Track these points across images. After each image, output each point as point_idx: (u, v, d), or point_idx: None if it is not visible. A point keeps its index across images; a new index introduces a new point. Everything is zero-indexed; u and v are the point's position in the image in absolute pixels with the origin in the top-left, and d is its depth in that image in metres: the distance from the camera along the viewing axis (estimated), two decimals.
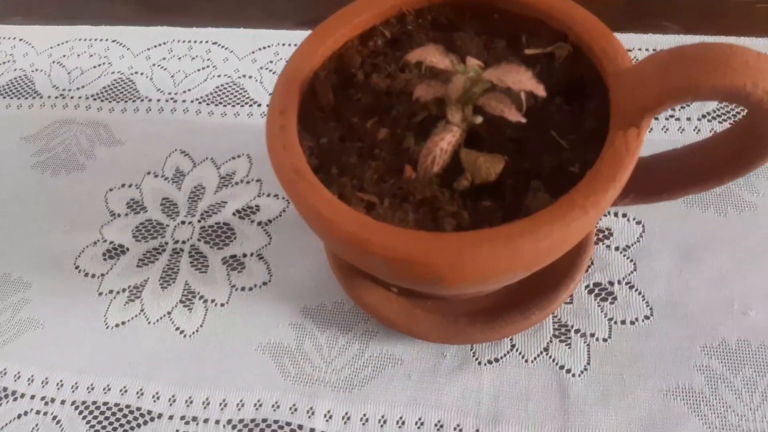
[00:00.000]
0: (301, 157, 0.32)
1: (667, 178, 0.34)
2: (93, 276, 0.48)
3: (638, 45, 0.52)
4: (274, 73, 0.57)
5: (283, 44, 0.59)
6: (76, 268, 0.48)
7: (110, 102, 0.58)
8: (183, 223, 0.49)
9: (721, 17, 0.53)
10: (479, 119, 0.31)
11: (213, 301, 0.45)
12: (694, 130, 0.48)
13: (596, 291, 0.42)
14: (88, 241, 0.49)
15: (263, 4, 0.62)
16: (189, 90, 0.57)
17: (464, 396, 0.39)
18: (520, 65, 0.29)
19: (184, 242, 0.48)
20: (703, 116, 0.49)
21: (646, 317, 0.41)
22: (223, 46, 0.59)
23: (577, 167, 0.31)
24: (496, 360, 0.40)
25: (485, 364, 0.40)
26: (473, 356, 0.41)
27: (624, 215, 0.45)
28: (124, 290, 0.47)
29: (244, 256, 0.47)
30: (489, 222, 0.30)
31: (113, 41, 0.62)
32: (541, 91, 0.29)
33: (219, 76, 0.58)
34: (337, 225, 0.29)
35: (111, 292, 0.47)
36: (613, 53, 0.32)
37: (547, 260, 0.31)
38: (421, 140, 0.32)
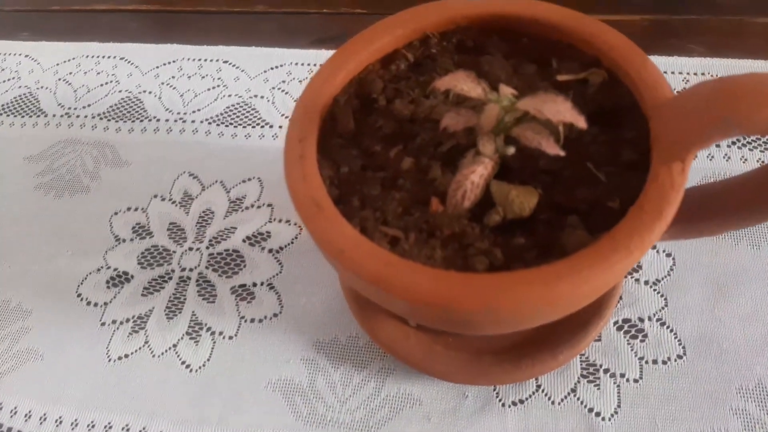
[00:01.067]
0: (321, 188, 0.30)
1: (708, 213, 0.32)
2: (96, 305, 0.46)
3: (663, 68, 0.50)
4: (286, 93, 0.55)
5: (297, 63, 0.57)
6: (79, 296, 0.46)
7: (117, 121, 0.56)
8: (190, 249, 0.47)
9: (746, 38, 0.51)
10: (512, 150, 0.29)
11: (221, 333, 0.43)
12: (723, 157, 0.46)
13: (626, 328, 0.40)
14: (91, 268, 0.48)
15: (277, 20, 0.61)
16: (199, 110, 0.55)
17: None
18: (558, 94, 0.27)
19: (191, 270, 0.46)
20: (733, 143, 0.47)
21: (679, 356, 0.39)
22: (234, 65, 0.58)
23: (617, 202, 0.29)
24: (521, 401, 0.38)
25: (509, 406, 0.38)
26: (497, 397, 0.38)
27: (654, 247, 0.43)
28: (127, 320, 0.45)
29: (254, 285, 0.45)
30: (523, 261, 0.28)
31: (121, 59, 0.60)
32: (582, 123, 0.27)
33: (230, 95, 0.56)
34: (360, 264, 0.27)
35: (114, 322, 0.45)
36: (652, 82, 0.30)
37: (584, 303, 0.29)
38: (448, 171, 0.31)
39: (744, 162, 0.46)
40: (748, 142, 0.47)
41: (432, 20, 0.35)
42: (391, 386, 0.40)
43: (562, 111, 0.27)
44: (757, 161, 0.46)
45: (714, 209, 0.32)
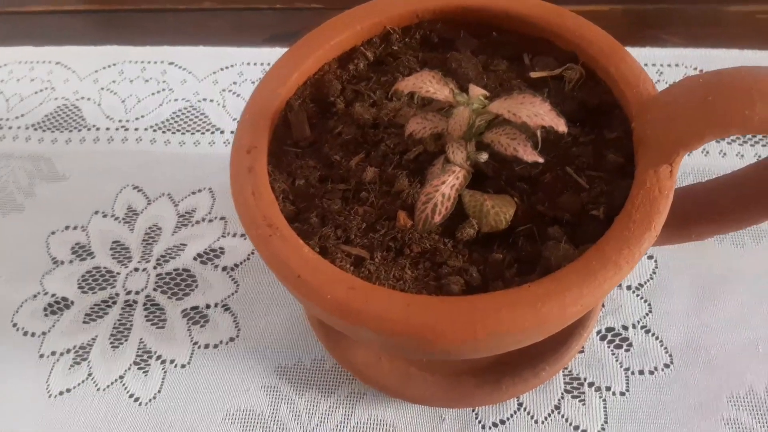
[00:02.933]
0: (273, 204, 0.27)
1: (696, 216, 0.30)
2: (33, 335, 0.41)
3: (638, 59, 0.48)
4: (238, 95, 0.51)
5: (249, 63, 0.53)
6: (14, 325, 0.42)
7: (53, 132, 0.51)
8: (136, 270, 0.43)
9: (721, 28, 0.50)
10: (484, 156, 0.26)
11: (172, 361, 0.39)
12: (702, 152, 0.44)
13: (609, 337, 0.38)
14: (27, 294, 0.43)
15: (227, 17, 0.57)
16: (142, 117, 0.51)
17: None
18: (535, 95, 0.24)
19: (137, 293, 0.42)
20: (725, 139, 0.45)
21: (666, 365, 0.37)
22: (180, 67, 0.54)
23: (601, 211, 0.26)
24: (502, 422, 0.35)
25: (490, 428, 0.35)
26: (476, 418, 0.36)
27: None
28: (68, 351, 0.40)
29: (208, 307, 0.41)
30: (502, 279, 0.25)
31: (57, 63, 0.55)
32: (562, 126, 0.24)
33: (176, 100, 0.52)
34: (320, 291, 0.24)
35: (54, 353, 0.40)
36: (633, 78, 0.28)
37: (570, 322, 0.26)
38: (415, 181, 0.28)
39: (741, 158, 0.44)
40: (748, 139, 0.45)
41: (393, 14, 0.32)
42: (362, 412, 0.36)
43: (541, 113, 0.24)
44: (755, 156, 0.44)
45: (705, 211, 0.29)
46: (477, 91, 0.25)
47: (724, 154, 0.44)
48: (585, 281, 0.23)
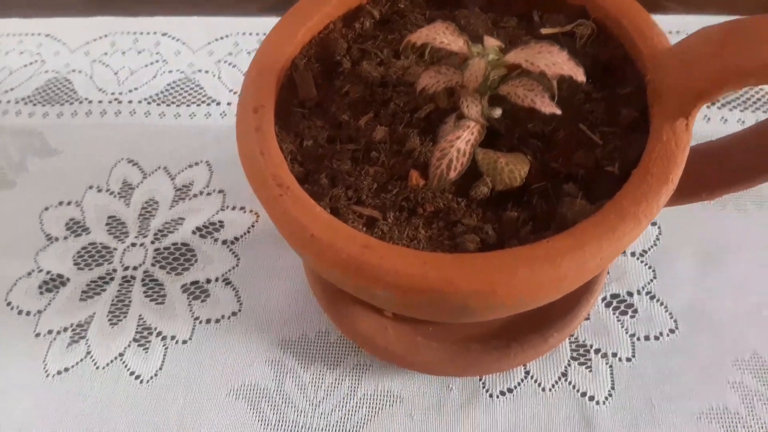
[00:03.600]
0: (282, 164, 0.26)
1: (707, 174, 0.30)
2: (28, 313, 0.40)
3: None
4: (234, 66, 0.50)
5: (245, 33, 0.52)
6: (8, 304, 0.41)
7: (44, 106, 0.50)
8: (133, 245, 0.42)
9: None
10: (498, 112, 0.26)
11: (173, 337, 0.39)
12: (721, 120, 0.44)
13: (614, 304, 0.38)
14: (21, 272, 0.42)
15: None
16: (136, 89, 0.50)
17: None
18: (553, 45, 0.24)
19: (135, 268, 0.41)
20: (723, 105, 0.45)
21: (671, 331, 0.37)
22: (174, 38, 0.52)
23: (616, 167, 0.26)
24: (510, 390, 0.35)
25: (497, 396, 0.35)
26: (483, 387, 0.35)
27: None
28: (65, 329, 0.39)
29: (208, 282, 0.40)
30: (517, 237, 0.25)
31: (47, 35, 0.54)
32: (581, 76, 0.24)
33: (170, 71, 0.51)
34: (334, 250, 0.23)
35: (50, 332, 0.39)
36: (648, 30, 0.28)
37: (587, 279, 0.26)
38: (427, 140, 0.27)
39: (742, 125, 0.44)
40: (740, 103, 0.45)
41: None
42: (368, 384, 0.36)
43: (559, 62, 0.23)
44: (756, 121, 0.44)
45: (716, 170, 0.29)
46: (492, 42, 0.25)
47: (726, 120, 0.44)
48: (604, 235, 0.23)
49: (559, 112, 0.24)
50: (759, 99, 0.45)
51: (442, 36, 0.25)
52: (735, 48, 0.23)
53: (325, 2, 0.30)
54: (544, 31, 0.29)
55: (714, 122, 0.44)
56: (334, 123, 0.28)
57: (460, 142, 0.25)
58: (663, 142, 0.25)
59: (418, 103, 0.28)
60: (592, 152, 0.26)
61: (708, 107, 0.45)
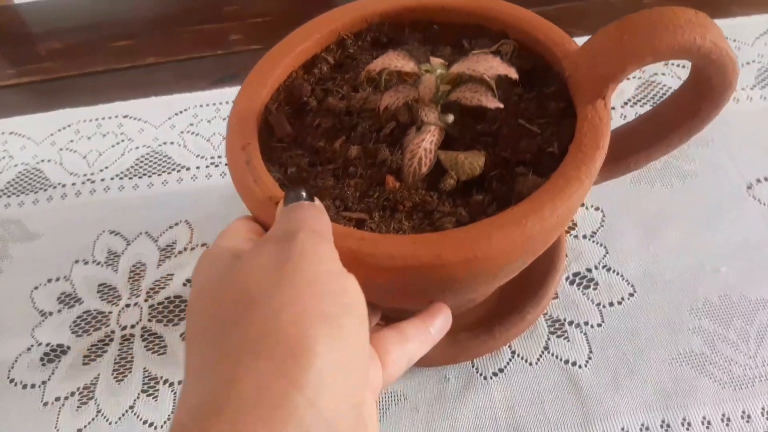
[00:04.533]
0: (275, 187, 0.30)
1: (631, 147, 0.35)
2: (33, 386, 0.41)
3: None
4: (197, 134, 0.54)
5: (201, 105, 0.56)
6: (11, 381, 0.42)
7: (18, 196, 0.52)
8: (128, 306, 0.44)
9: (614, 17, 0.57)
10: (451, 118, 0.31)
11: (180, 382, 0.40)
12: (620, 117, 0.51)
13: (577, 281, 0.42)
14: (20, 349, 0.43)
15: (171, 69, 0.60)
16: (106, 167, 0.53)
17: (478, 415, 0.37)
18: (487, 53, 0.29)
19: (133, 326, 0.43)
20: (626, 103, 0.52)
21: (630, 295, 0.41)
22: (135, 118, 0.56)
23: (555, 147, 0.31)
24: (501, 371, 0.39)
25: (491, 378, 0.39)
26: (477, 372, 0.39)
27: (582, 204, 0.46)
28: (72, 394, 0.41)
29: None
30: (486, 214, 0.29)
31: (10, 133, 0.57)
32: (513, 73, 0.29)
33: (137, 147, 0.54)
34: (336, 246, 0.27)
35: (58, 399, 0.41)
36: (559, 39, 0.33)
37: (552, 238, 0.30)
38: (396, 150, 0.31)
39: None
40: (638, 100, 0.52)
41: (345, 21, 0.37)
42: None
43: (495, 66, 0.29)
44: None
45: (635, 143, 0.35)
46: (437, 60, 0.30)
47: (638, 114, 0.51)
48: (556, 197, 0.28)
49: (501, 105, 0.29)
50: (663, 96, 0.52)
51: (396, 61, 0.30)
52: (628, 38, 0.29)
53: (284, 56, 0.35)
54: (474, 53, 0.35)
55: (630, 117, 0.51)
56: (312, 150, 0.33)
57: (425, 143, 0.29)
58: (588, 119, 0.30)
59: (382, 123, 0.33)
60: (534, 140, 0.31)
61: (623, 106, 0.52)
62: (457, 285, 0.29)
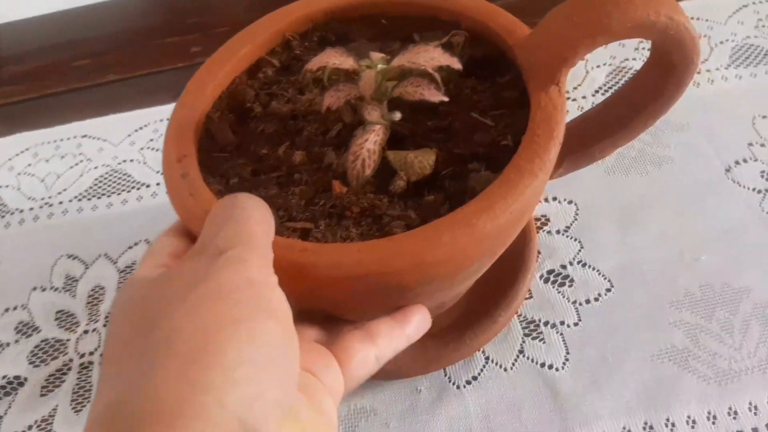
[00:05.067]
0: (212, 200, 0.28)
1: (595, 135, 0.34)
2: None
3: None
4: (157, 150, 0.52)
5: (162, 120, 0.55)
6: None
7: None
8: (86, 332, 0.43)
9: None
10: (398, 115, 0.29)
11: None
12: (592, 105, 0.49)
13: (551, 278, 0.41)
14: None
15: (132, 84, 0.58)
16: (65, 190, 0.51)
17: (452, 427, 0.35)
18: (428, 45, 0.28)
19: (92, 353, 0.41)
20: (596, 91, 0.50)
21: (608, 290, 0.40)
22: (94, 137, 0.54)
23: (509, 139, 0.29)
24: (474, 378, 0.37)
25: (464, 386, 0.37)
26: (450, 381, 0.37)
27: (554, 198, 0.44)
28: (30, 427, 0.39)
29: None
30: (438, 216, 0.27)
31: None
32: (456, 64, 0.27)
33: (96, 167, 0.52)
34: (277, 259, 0.25)
35: None
36: (511, 26, 0.32)
37: (510, 237, 0.28)
38: (342, 153, 0.30)
39: None
40: (609, 89, 0.50)
41: (290, 21, 0.35)
42: (341, 407, 0.37)
43: (436, 57, 0.27)
44: None
45: (599, 131, 0.33)
46: (377, 55, 0.28)
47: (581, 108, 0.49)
48: (509, 192, 0.26)
49: (446, 98, 0.27)
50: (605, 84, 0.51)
51: (334, 59, 0.28)
52: (578, 18, 0.27)
53: (226, 62, 0.33)
54: (416, 45, 0.33)
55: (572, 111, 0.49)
56: (256, 158, 0.31)
57: (369, 143, 0.28)
58: (542, 107, 0.28)
59: (328, 125, 0.31)
60: (487, 133, 0.30)
61: (593, 95, 0.50)
62: (410, 293, 0.27)
